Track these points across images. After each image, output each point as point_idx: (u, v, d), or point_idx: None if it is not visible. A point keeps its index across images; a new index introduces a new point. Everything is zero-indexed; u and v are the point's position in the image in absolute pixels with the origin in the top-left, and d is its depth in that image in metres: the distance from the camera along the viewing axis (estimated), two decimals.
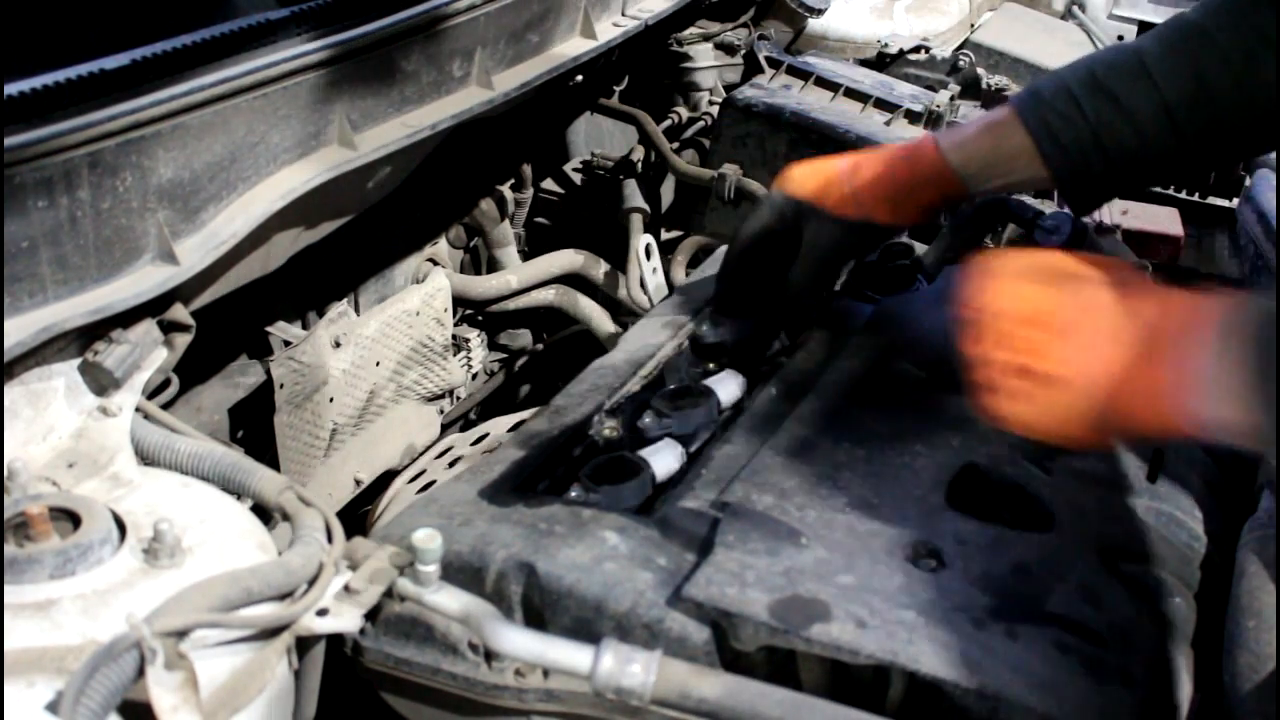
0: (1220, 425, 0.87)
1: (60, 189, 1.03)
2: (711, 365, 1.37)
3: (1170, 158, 1.29)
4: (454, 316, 1.87)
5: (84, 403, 1.11)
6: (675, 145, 2.10)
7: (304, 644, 0.96)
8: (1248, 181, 1.88)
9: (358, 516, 1.71)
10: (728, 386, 1.30)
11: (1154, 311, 0.94)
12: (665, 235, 2.16)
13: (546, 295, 2.08)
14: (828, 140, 1.91)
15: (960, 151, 1.34)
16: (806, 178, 1.36)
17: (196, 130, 1.14)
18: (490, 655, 1.00)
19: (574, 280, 2.11)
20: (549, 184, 2.23)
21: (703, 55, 2.20)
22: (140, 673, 0.80)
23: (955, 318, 1.02)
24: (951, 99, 2.12)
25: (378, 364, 1.71)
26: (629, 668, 0.89)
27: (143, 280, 1.11)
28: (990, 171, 1.35)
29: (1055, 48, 2.74)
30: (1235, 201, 2.04)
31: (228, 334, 1.53)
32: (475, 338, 1.97)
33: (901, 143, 1.43)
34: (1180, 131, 1.25)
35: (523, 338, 2.15)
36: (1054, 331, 0.96)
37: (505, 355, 2.14)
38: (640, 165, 2.11)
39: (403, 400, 1.81)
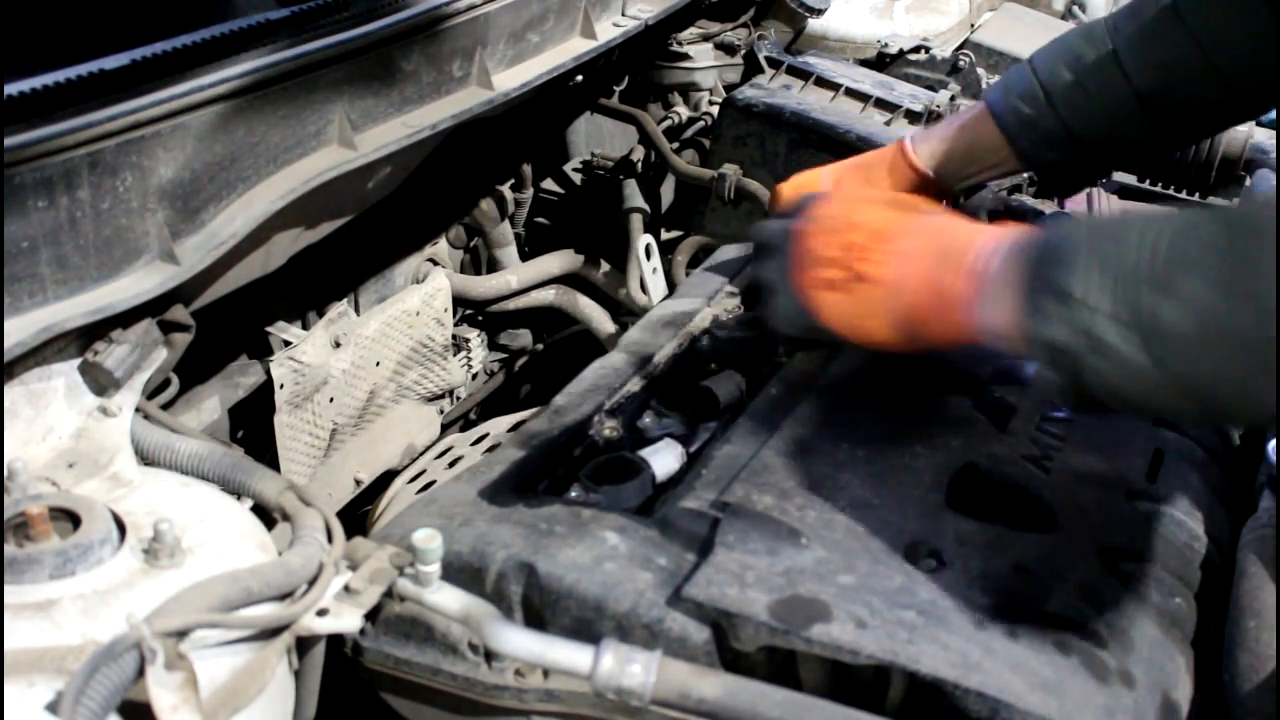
0: (994, 331, 0.98)
1: (60, 189, 1.03)
2: (713, 365, 1.37)
3: (1144, 142, 1.32)
4: (454, 316, 1.87)
5: (84, 403, 1.11)
6: (675, 145, 2.10)
7: (304, 644, 0.96)
8: (1248, 181, 1.88)
9: (358, 516, 1.71)
10: (727, 387, 1.30)
11: (967, 236, 1.03)
12: (665, 235, 2.16)
13: (546, 295, 2.09)
14: (828, 140, 1.91)
15: (932, 154, 1.39)
16: (790, 191, 1.43)
17: (196, 130, 1.14)
18: (490, 655, 1.00)
19: (574, 280, 2.12)
20: (549, 184, 2.23)
21: (703, 55, 2.20)
22: (140, 673, 0.80)
23: (799, 222, 1.12)
24: (952, 99, 2.12)
25: (378, 364, 1.71)
26: (629, 668, 0.89)
27: (143, 280, 1.11)
28: (965, 168, 1.40)
29: None
30: (1236, 202, 2.04)
31: (228, 334, 1.53)
32: (475, 338, 1.97)
33: (878, 150, 1.47)
34: (1153, 117, 1.26)
35: (523, 338, 2.15)
36: (877, 239, 1.07)
37: (505, 355, 2.15)
38: (640, 165, 2.11)
39: (403, 400, 1.81)
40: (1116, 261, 0.89)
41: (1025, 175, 1.75)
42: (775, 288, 1.15)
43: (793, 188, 1.43)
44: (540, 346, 2.16)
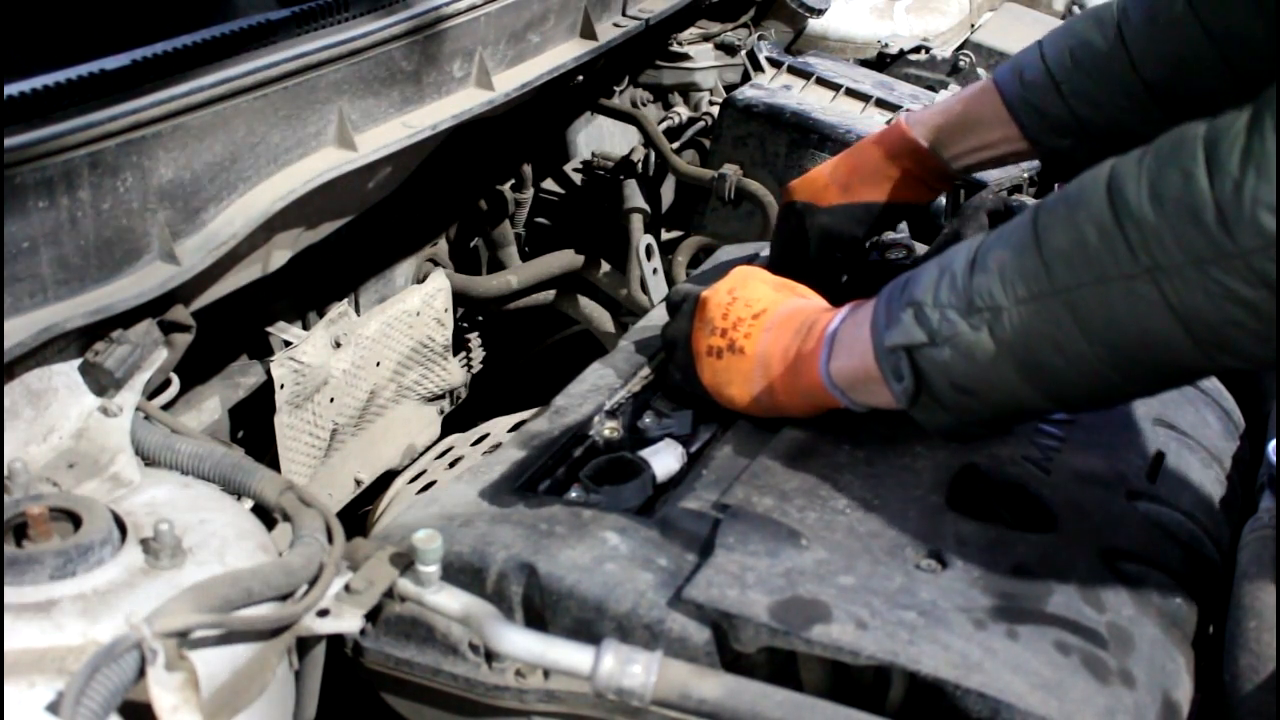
0: (839, 379, 1.09)
1: (61, 189, 1.03)
2: None
3: (1152, 132, 1.31)
4: (454, 316, 1.87)
5: (84, 403, 1.11)
6: (675, 145, 2.10)
7: (304, 644, 0.96)
8: None
9: (358, 517, 1.71)
10: None
11: (825, 314, 1.15)
12: (665, 235, 2.16)
13: (547, 295, 2.08)
14: (828, 140, 1.91)
15: (926, 124, 1.40)
16: (798, 185, 1.46)
17: (197, 130, 1.14)
18: (491, 656, 1.00)
19: (574, 280, 2.11)
20: (549, 184, 2.23)
21: (703, 55, 2.20)
22: (141, 673, 0.80)
23: (705, 293, 1.23)
24: None
25: (378, 364, 1.71)
26: (630, 668, 0.89)
27: (143, 280, 1.11)
28: (965, 143, 1.39)
29: None
30: None
31: (228, 334, 1.53)
32: (475, 337, 1.97)
33: (875, 133, 1.48)
34: (1163, 107, 1.26)
35: (523, 338, 2.15)
36: (755, 316, 1.18)
37: (505, 355, 2.15)
38: (640, 165, 2.11)
39: (403, 400, 1.81)
40: (951, 264, 1.01)
41: (1025, 175, 1.75)
42: (678, 345, 1.25)
43: (804, 183, 1.46)
44: (540, 347, 2.16)
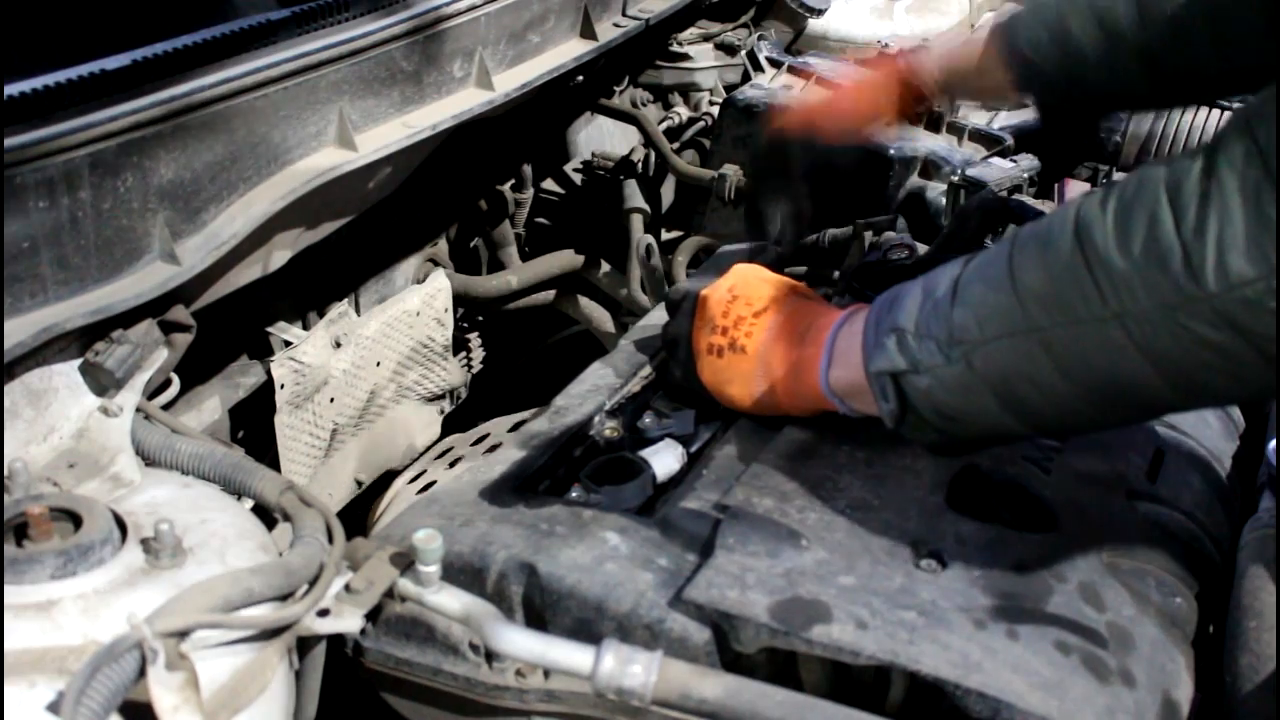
0: (837, 389, 1.10)
1: (61, 189, 1.03)
2: None
3: (1143, 95, 1.36)
4: (454, 316, 1.87)
5: (85, 403, 1.11)
6: (675, 145, 2.10)
7: (305, 644, 0.96)
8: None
9: (358, 516, 1.71)
10: None
11: (825, 315, 1.15)
12: (665, 235, 2.15)
13: (547, 295, 2.08)
14: None
15: (928, 64, 1.45)
16: (785, 121, 1.51)
17: (197, 130, 1.14)
18: (491, 656, 1.00)
19: (574, 280, 2.11)
20: (549, 184, 2.23)
21: (703, 55, 2.20)
22: (141, 673, 0.80)
23: (705, 290, 1.23)
24: None
25: (378, 364, 1.71)
26: (630, 668, 0.89)
27: (144, 280, 1.11)
28: (953, 69, 1.44)
29: None
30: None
31: (228, 334, 1.53)
32: (475, 337, 1.97)
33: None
34: (1152, 75, 1.28)
35: (523, 338, 2.15)
36: (756, 315, 1.19)
37: (505, 355, 2.15)
38: (640, 165, 2.11)
39: (403, 400, 1.81)
40: (934, 289, 1.02)
41: (1025, 175, 1.75)
42: (679, 344, 1.25)
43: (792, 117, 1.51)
44: (540, 347, 2.16)
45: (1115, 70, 1.29)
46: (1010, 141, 1.88)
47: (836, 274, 1.51)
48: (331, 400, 1.62)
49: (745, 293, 1.21)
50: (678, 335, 1.25)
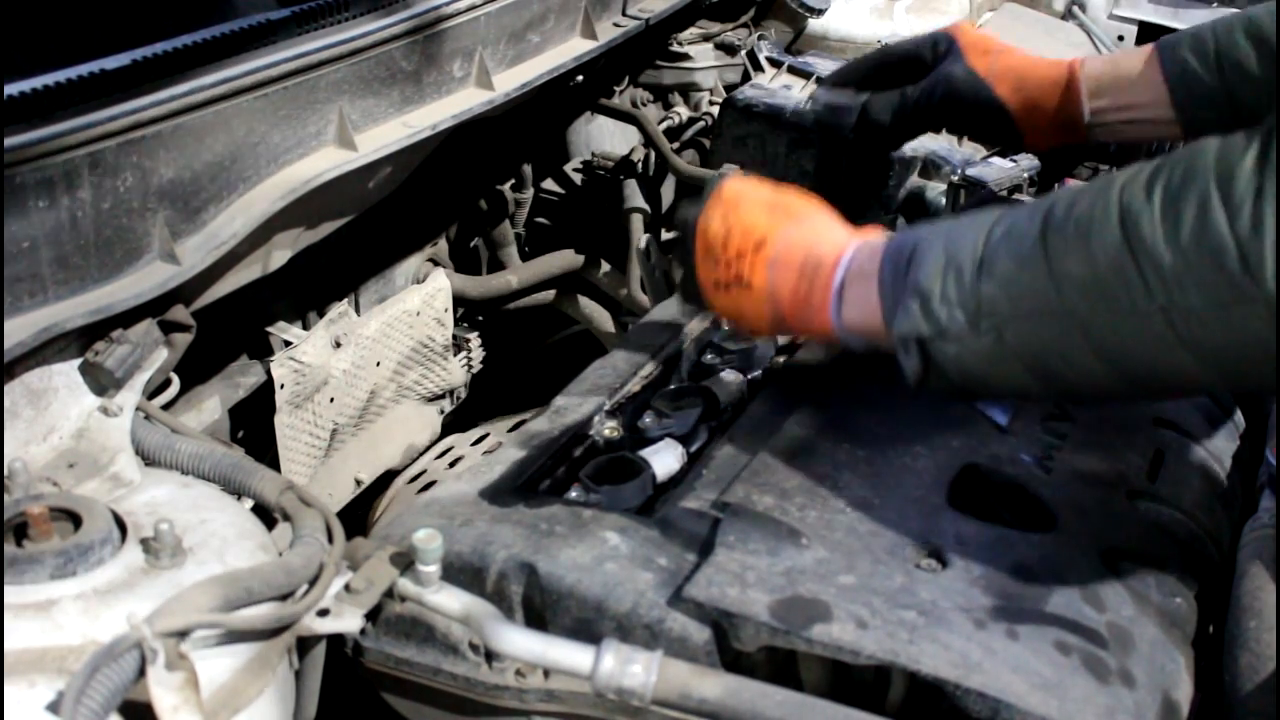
0: (849, 329, 1.09)
1: (61, 189, 1.03)
2: None
3: None
4: (454, 316, 1.87)
5: (85, 403, 1.11)
6: (675, 145, 2.09)
7: (305, 644, 0.96)
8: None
9: (358, 516, 1.71)
10: (727, 387, 1.30)
11: (829, 247, 1.13)
12: (665, 235, 2.15)
13: (547, 295, 2.08)
14: None
15: (1092, 66, 1.42)
16: (969, 31, 1.48)
17: (197, 130, 1.14)
18: (491, 655, 1.00)
19: (574, 280, 2.11)
20: (549, 184, 2.23)
21: (703, 55, 2.20)
22: (141, 673, 0.80)
23: (700, 222, 1.20)
24: None
25: (378, 364, 1.71)
26: (630, 668, 0.89)
27: (143, 280, 1.11)
28: (1113, 95, 1.40)
29: (1055, 48, 2.74)
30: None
31: (228, 334, 1.53)
32: (475, 338, 1.97)
33: (1053, 62, 1.49)
34: None
35: (523, 338, 2.14)
36: (756, 249, 1.16)
37: (505, 355, 2.14)
38: (640, 165, 2.11)
39: (403, 400, 1.81)
40: (958, 254, 1.00)
41: (1025, 175, 1.75)
42: (685, 270, 1.24)
43: (973, 30, 1.49)
44: (540, 347, 2.16)
45: (1269, 83, 1.28)
46: None
47: None
48: (331, 400, 1.62)
49: (740, 221, 1.17)
50: (683, 262, 1.23)
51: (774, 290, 1.15)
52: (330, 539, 1.00)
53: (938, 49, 1.48)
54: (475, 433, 1.76)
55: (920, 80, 1.47)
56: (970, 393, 1.04)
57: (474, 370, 1.99)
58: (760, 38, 2.24)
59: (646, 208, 2.07)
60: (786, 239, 1.16)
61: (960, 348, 0.99)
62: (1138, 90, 1.38)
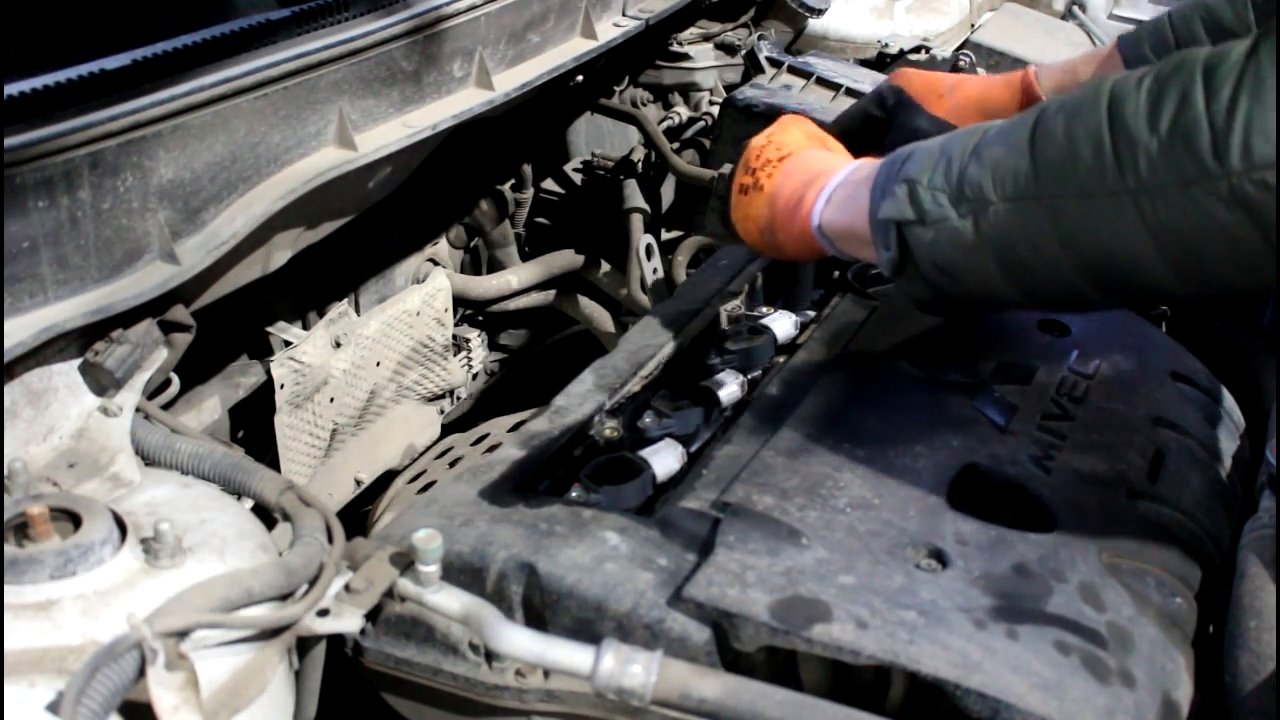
0: (829, 229, 1.17)
1: (61, 189, 1.03)
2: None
3: None
4: (454, 316, 1.87)
5: (85, 403, 1.11)
6: (675, 145, 2.10)
7: (304, 644, 0.96)
8: None
9: (358, 516, 1.71)
10: (728, 386, 1.30)
11: (837, 163, 1.22)
12: (665, 235, 2.16)
13: (547, 295, 2.09)
14: None
15: (1050, 77, 1.45)
16: (914, 76, 1.51)
17: (197, 130, 1.14)
18: (491, 656, 1.00)
19: (574, 280, 2.11)
20: (549, 184, 2.23)
21: (703, 55, 2.20)
22: (141, 673, 0.80)
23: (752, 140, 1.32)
24: None
25: (378, 364, 1.71)
26: (630, 668, 0.89)
27: (143, 280, 1.11)
28: (1065, 85, 1.43)
29: (1055, 48, 2.75)
30: None
31: (228, 334, 1.53)
32: (475, 338, 1.97)
33: (1006, 75, 1.51)
34: None
35: (523, 338, 2.15)
36: (779, 158, 1.27)
37: (505, 355, 2.15)
38: (640, 165, 2.11)
39: (403, 400, 1.81)
40: (951, 148, 1.05)
41: None
42: (724, 187, 1.34)
43: (923, 81, 1.51)
44: (540, 347, 2.16)
45: None
46: None
47: (836, 274, 1.51)
48: (331, 400, 1.62)
49: (779, 138, 1.29)
50: (726, 180, 1.33)
51: (776, 192, 1.23)
52: (330, 539, 1.00)
53: (886, 103, 1.50)
54: (475, 433, 1.76)
55: (883, 140, 1.48)
56: (940, 293, 1.08)
57: (474, 370, 2.00)
58: (760, 38, 2.24)
59: (646, 208, 2.07)
60: (809, 156, 1.25)
61: (938, 233, 1.03)
62: None
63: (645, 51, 2.13)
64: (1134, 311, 1.43)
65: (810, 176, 1.22)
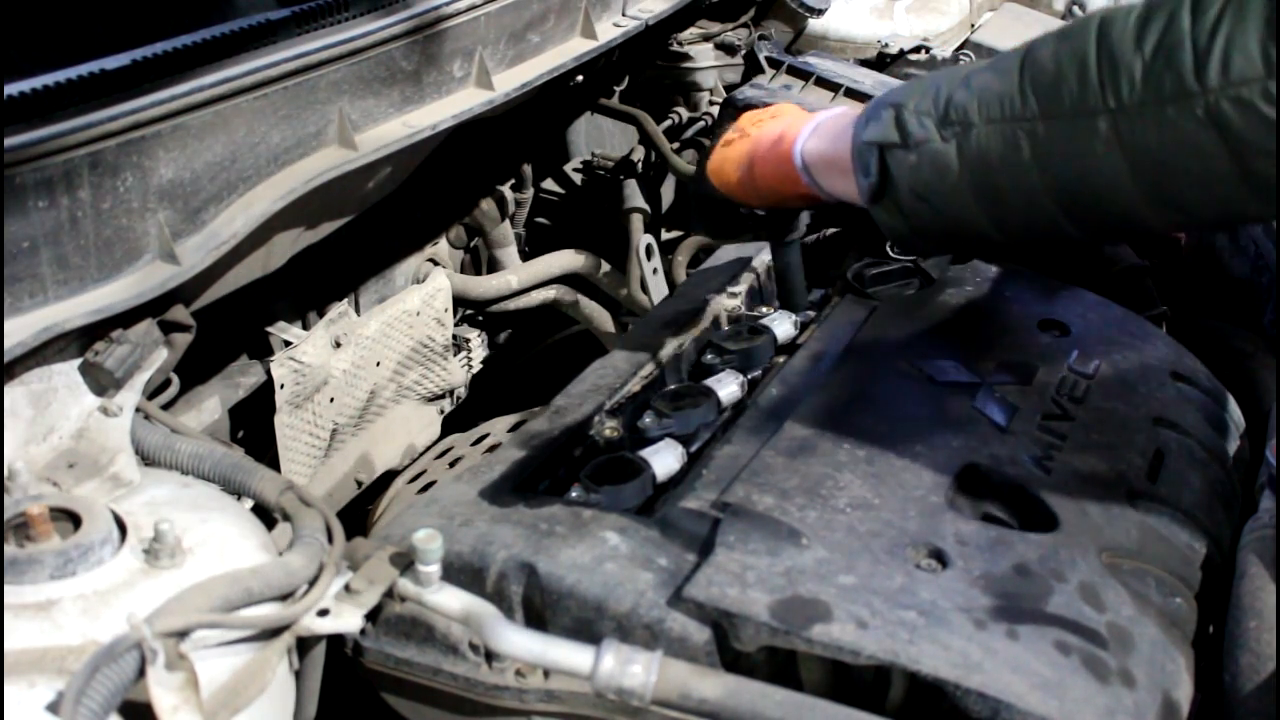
0: (808, 158, 1.18)
1: (61, 189, 1.03)
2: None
3: None
4: (454, 316, 1.87)
5: (85, 403, 1.11)
6: (675, 145, 2.10)
7: (304, 644, 0.96)
8: None
9: (358, 516, 1.71)
10: (728, 386, 1.30)
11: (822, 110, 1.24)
12: (665, 235, 2.16)
13: (547, 295, 2.08)
14: None
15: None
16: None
17: (197, 130, 1.14)
18: (491, 656, 1.00)
19: (574, 280, 2.11)
20: (549, 184, 2.23)
21: (703, 55, 2.20)
22: (141, 673, 0.80)
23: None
24: None
25: (378, 364, 1.71)
26: (630, 668, 0.89)
27: (143, 280, 1.11)
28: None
29: None
30: None
31: (228, 334, 1.53)
32: (475, 338, 1.97)
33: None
34: None
35: (523, 338, 2.15)
36: (771, 115, 1.29)
37: (505, 355, 2.15)
38: (640, 165, 2.11)
39: (403, 400, 1.81)
40: (941, 78, 1.07)
41: None
42: (706, 147, 1.37)
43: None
44: (540, 346, 2.16)
45: None
46: None
47: (833, 275, 1.51)
48: (331, 400, 1.62)
49: (777, 109, 1.31)
50: (711, 141, 1.35)
51: (760, 136, 1.24)
52: (330, 539, 1.00)
53: None
54: (475, 433, 1.76)
55: None
56: (916, 222, 1.08)
57: (474, 370, 2.00)
58: (760, 38, 2.24)
59: (646, 208, 2.07)
60: (801, 111, 1.26)
61: (919, 156, 1.04)
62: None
63: (645, 51, 2.13)
64: (1105, 243, 1.45)
65: (797, 118, 1.25)
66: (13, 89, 1.00)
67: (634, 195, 2.07)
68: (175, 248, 1.13)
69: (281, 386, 1.51)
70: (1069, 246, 1.19)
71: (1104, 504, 1.11)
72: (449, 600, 0.96)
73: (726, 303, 1.49)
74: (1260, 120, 0.86)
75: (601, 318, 2.09)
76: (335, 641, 1.01)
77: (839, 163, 1.14)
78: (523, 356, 2.18)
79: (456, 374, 1.90)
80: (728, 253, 1.65)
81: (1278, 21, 0.84)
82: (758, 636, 0.95)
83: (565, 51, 1.67)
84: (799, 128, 1.21)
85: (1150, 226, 1.01)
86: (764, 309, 1.48)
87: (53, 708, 0.80)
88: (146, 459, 1.12)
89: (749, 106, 1.98)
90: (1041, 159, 0.98)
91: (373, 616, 1.00)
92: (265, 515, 1.12)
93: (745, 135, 1.28)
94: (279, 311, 1.61)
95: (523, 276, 2.04)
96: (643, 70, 2.18)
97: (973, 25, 3.02)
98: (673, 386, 1.32)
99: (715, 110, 2.13)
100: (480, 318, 2.05)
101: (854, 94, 2.07)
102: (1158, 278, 1.66)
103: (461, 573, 1.02)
